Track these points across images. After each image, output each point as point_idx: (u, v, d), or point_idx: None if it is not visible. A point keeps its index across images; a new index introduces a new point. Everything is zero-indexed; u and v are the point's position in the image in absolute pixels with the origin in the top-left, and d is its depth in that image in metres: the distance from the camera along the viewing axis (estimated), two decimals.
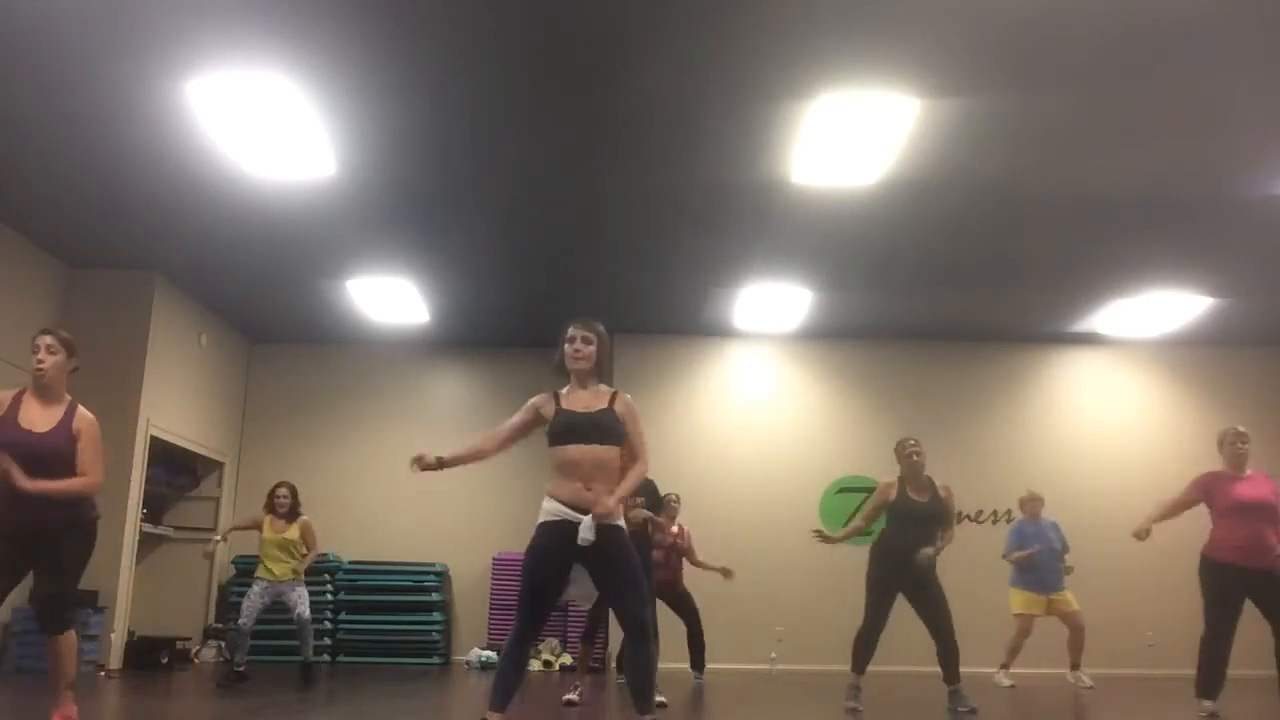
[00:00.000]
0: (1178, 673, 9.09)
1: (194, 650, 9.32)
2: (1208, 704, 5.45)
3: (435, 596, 9.88)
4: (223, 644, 9.46)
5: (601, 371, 3.95)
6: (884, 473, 9.80)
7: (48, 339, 4.14)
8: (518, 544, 10.15)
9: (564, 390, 3.94)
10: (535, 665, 9.39)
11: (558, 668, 9.34)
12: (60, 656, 4.06)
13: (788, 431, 10.05)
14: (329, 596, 9.68)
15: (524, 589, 3.74)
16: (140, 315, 8.59)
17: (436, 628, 9.75)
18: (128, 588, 8.48)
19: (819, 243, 7.81)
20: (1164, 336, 9.99)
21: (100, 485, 4.16)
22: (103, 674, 7.76)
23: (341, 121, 5.95)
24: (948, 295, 9.06)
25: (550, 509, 3.71)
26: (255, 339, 10.75)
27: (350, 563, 9.86)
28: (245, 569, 9.47)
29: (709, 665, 7.92)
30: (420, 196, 7.08)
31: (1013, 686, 7.68)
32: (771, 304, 9.26)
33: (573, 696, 6.06)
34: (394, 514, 10.28)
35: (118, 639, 8.31)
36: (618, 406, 3.85)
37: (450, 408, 10.76)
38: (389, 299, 9.24)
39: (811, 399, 10.24)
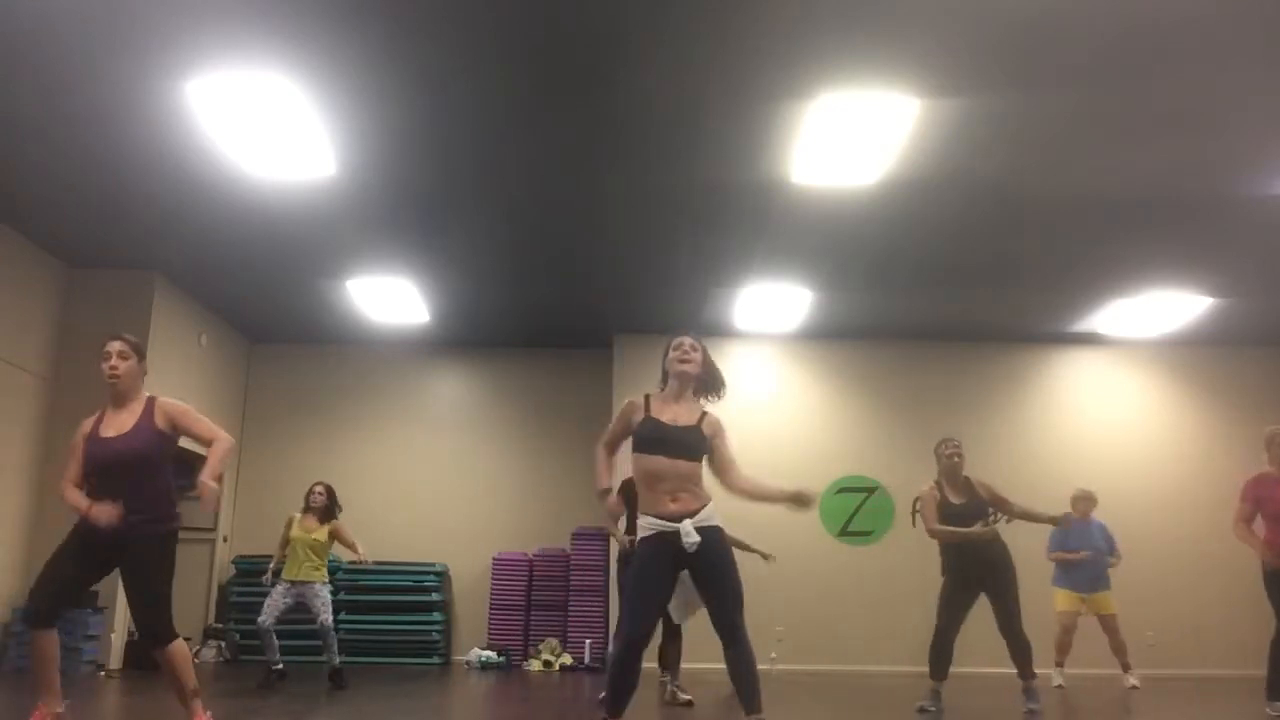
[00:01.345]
0: (1178, 673, 9.13)
1: (194, 650, 9.33)
2: (1279, 704, 5.40)
3: (435, 596, 9.88)
4: (223, 644, 9.46)
5: (701, 387, 4.00)
6: (884, 473, 9.98)
7: (118, 345, 4.10)
8: (518, 544, 10.32)
9: (656, 395, 3.96)
10: (535, 665, 9.40)
11: (558, 668, 9.34)
12: (175, 669, 3.95)
13: (788, 431, 10.04)
14: (329, 596, 9.65)
15: (632, 598, 3.79)
16: (140, 315, 8.59)
17: (436, 628, 9.76)
18: None
19: (819, 243, 7.81)
20: (1164, 336, 9.99)
21: (229, 439, 4.08)
22: (103, 674, 7.77)
23: (341, 121, 5.95)
24: (948, 295, 9.06)
25: (648, 524, 3.79)
26: (255, 339, 10.76)
27: (350, 563, 9.82)
28: (245, 569, 9.49)
29: (709, 664, 7.89)
30: (420, 196, 7.08)
31: (1060, 686, 7.74)
32: (771, 304, 9.26)
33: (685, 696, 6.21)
34: (394, 514, 10.29)
35: (118, 639, 8.31)
36: (705, 427, 3.91)
37: (450, 408, 10.78)
38: (389, 299, 9.25)
39: (811, 399, 10.24)
